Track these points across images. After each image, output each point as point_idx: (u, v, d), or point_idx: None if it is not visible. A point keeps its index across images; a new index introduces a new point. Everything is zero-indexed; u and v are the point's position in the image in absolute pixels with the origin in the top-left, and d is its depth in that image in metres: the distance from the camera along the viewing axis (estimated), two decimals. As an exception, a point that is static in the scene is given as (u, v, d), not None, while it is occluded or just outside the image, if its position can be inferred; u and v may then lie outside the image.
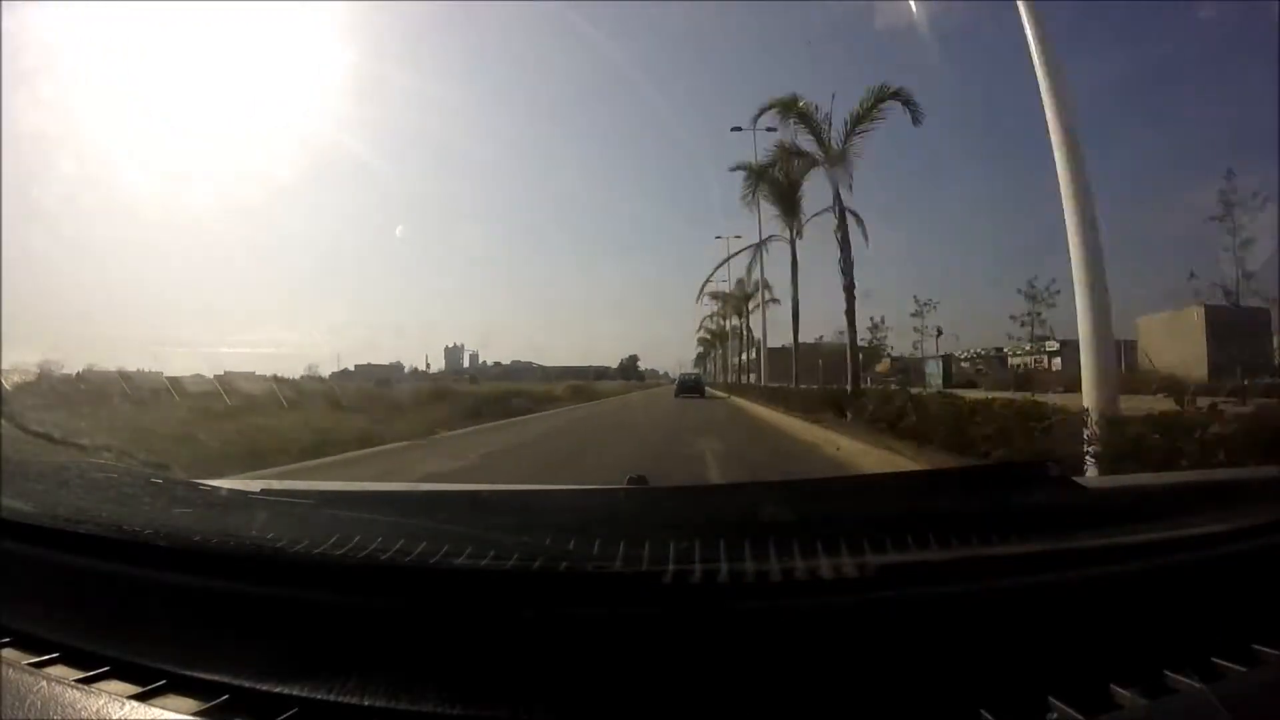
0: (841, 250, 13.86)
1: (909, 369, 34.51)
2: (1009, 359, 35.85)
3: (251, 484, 1.20)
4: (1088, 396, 4.92)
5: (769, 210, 18.47)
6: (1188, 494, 1.11)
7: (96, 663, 0.67)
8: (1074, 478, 0.93)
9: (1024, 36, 6.16)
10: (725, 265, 28.74)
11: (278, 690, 0.62)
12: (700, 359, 59.55)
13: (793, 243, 17.43)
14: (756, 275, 24.89)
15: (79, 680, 0.65)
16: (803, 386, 17.40)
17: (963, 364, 39.82)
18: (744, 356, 38.03)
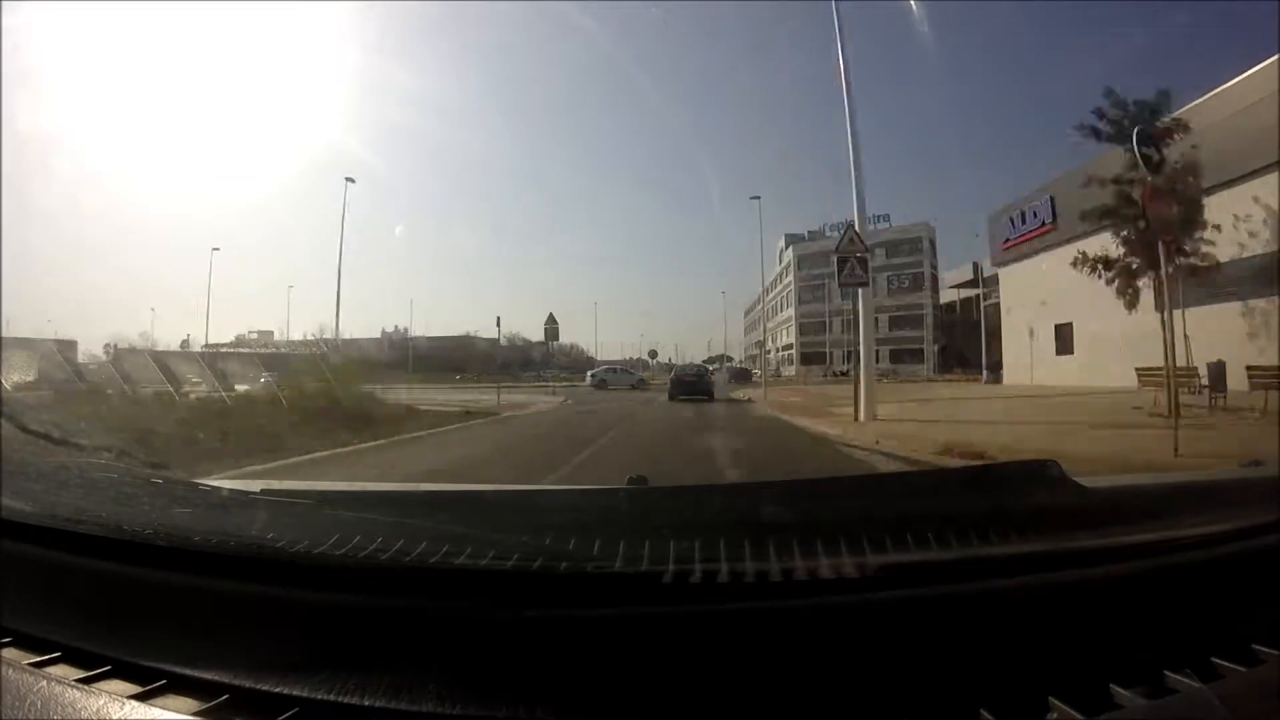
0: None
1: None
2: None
3: (251, 484, 1.20)
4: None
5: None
6: (1188, 494, 1.10)
7: (97, 663, 0.67)
8: (1074, 478, 0.92)
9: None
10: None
11: (278, 690, 0.62)
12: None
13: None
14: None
15: (79, 680, 0.65)
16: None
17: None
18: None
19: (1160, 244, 9.83)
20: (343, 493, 1.30)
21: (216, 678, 0.64)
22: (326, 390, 10.48)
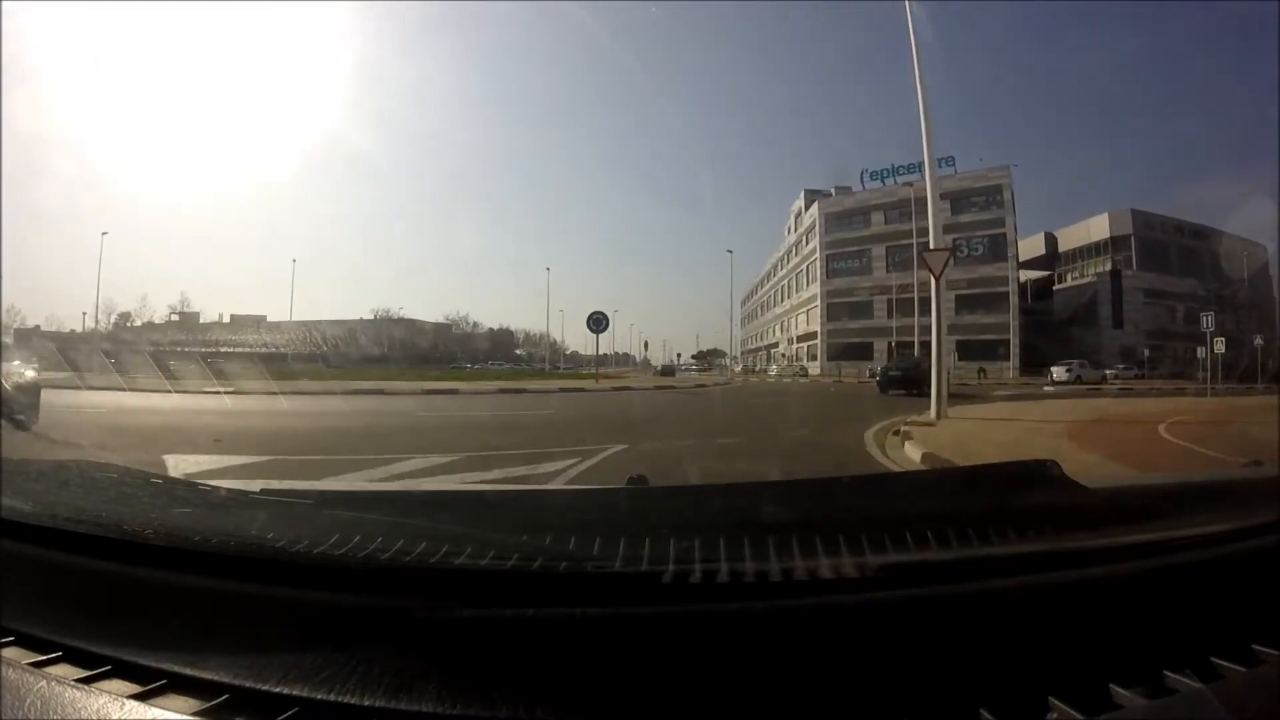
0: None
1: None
2: None
3: (251, 484, 1.20)
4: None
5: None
6: (1188, 494, 1.10)
7: (97, 663, 0.67)
8: (1074, 478, 0.92)
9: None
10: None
11: (278, 690, 0.62)
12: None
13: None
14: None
15: (79, 680, 0.65)
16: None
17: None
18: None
19: None
20: (343, 493, 1.30)
21: (216, 678, 0.64)
22: None
